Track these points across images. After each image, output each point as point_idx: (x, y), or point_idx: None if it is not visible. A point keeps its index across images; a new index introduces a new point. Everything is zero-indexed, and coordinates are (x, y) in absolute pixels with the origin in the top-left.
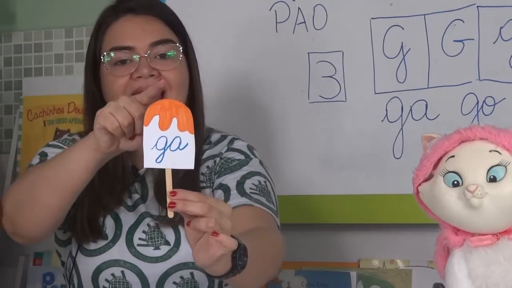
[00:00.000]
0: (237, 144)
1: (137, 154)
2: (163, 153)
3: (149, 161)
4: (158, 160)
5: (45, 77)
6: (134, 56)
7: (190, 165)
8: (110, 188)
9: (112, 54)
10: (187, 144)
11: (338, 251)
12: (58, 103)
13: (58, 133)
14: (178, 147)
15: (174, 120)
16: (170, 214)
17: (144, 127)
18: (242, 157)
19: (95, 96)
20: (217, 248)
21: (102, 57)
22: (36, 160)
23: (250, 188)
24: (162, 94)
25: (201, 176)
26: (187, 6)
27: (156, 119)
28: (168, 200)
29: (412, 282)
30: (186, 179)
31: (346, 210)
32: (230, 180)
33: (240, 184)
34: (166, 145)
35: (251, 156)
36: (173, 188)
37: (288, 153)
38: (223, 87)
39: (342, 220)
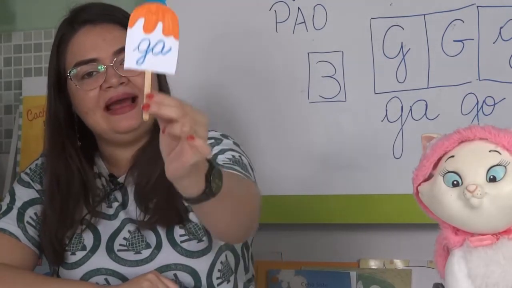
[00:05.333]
0: (209, 134)
1: (115, 163)
2: (145, 55)
3: (130, 62)
4: (139, 62)
5: (45, 77)
6: (99, 67)
7: (171, 70)
8: (67, 211)
9: (78, 69)
10: (170, 49)
11: (338, 251)
12: None
13: None
14: (161, 52)
15: (160, 24)
16: (145, 117)
17: (128, 29)
18: (212, 141)
19: (58, 112)
20: (190, 154)
21: (68, 74)
22: (7, 199)
23: (223, 161)
24: (134, 99)
25: None
26: (186, 6)
27: (141, 21)
28: (144, 102)
29: (412, 282)
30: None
31: (346, 210)
32: None
33: (212, 161)
34: (149, 48)
35: (223, 138)
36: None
37: (288, 153)
38: (222, 86)
39: (342, 220)
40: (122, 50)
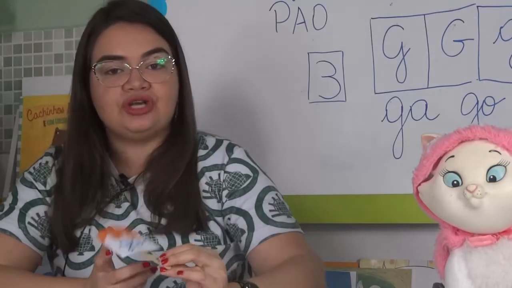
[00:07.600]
0: (236, 153)
1: (126, 163)
2: (131, 245)
3: (124, 252)
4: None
5: (45, 77)
6: (126, 65)
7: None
8: (86, 197)
9: (103, 63)
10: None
11: (338, 251)
12: (58, 103)
13: (58, 132)
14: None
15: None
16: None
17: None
18: (248, 172)
19: (83, 100)
20: None
21: (93, 66)
22: (9, 199)
23: (270, 211)
24: (150, 103)
25: (206, 186)
26: (186, 7)
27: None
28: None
29: (412, 282)
30: (185, 188)
31: (346, 210)
32: (246, 203)
33: (258, 208)
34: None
35: (254, 166)
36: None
37: (288, 153)
38: (223, 87)
39: (342, 220)
40: (150, 52)
